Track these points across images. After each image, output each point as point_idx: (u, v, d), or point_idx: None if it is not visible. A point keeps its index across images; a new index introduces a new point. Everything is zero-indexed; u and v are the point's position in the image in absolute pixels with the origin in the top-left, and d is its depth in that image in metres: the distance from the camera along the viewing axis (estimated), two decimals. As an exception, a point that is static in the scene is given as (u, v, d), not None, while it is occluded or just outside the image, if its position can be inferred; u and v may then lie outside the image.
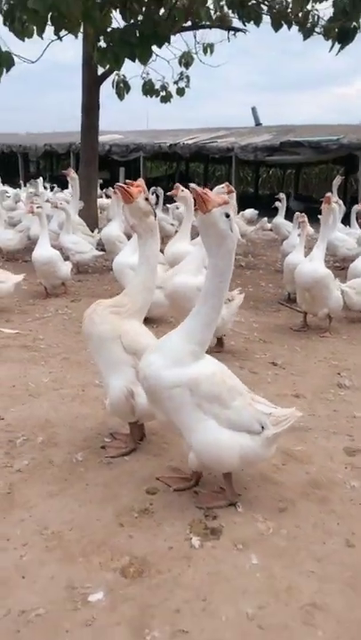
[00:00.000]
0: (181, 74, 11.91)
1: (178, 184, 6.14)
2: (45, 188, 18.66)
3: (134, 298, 3.06)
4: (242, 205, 13.90)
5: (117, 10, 9.25)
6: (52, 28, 8.06)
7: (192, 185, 2.27)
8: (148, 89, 11.54)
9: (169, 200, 8.98)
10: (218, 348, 5.01)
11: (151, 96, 11.72)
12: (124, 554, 2.39)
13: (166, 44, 8.94)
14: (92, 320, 3.03)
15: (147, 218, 2.93)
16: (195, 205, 2.36)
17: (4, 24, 8.96)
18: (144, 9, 8.81)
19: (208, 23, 9.73)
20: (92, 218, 10.26)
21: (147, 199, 2.91)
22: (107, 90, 10.17)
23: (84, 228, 8.90)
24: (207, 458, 2.60)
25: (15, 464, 3.07)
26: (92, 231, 9.18)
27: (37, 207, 6.57)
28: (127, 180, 3.37)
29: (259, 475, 3.05)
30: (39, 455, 3.17)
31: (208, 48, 11.56)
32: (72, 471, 3.03)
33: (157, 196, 11.43)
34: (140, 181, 2.95)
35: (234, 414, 2.57)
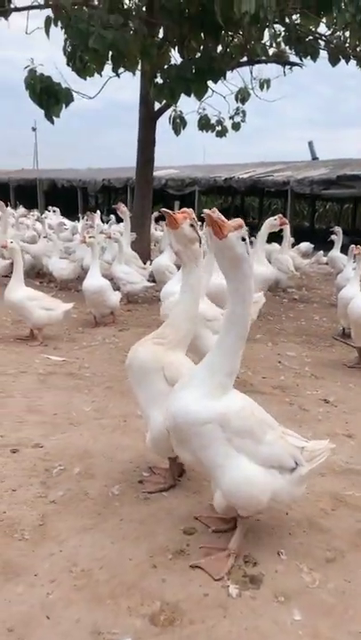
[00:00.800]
0: (237, 109, 12.04)
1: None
2: (102, 220, 19.15)
3: (176, 328, 2.94)
4: (297, 239, 13.74)
5: (175, 48, 9.48)
6: (111, 65, 8.36)
7: (206, 210, 2.15)
8: (204, 124, 11.72)
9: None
10: None
11: (207, 131, 11.89)
12: (156, 599, 2.23)
13: (222, 79, 9.07)
14: (135, 350, 2.94)
15: (192, 245, 2.84)
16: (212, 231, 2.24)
17: (68, 64, 9.34)
18: (202, 46, 8.98)
19: (264, 58, 9.79)
20: (144, 250, 10.34)
21: (192, 226, 2.83)
22: (164, 125, 10.39)
23: (136, 261, 8.97)
24: (236, 498, 2.40)
25: (50, 494, 2.97)
26: (145, 263, 9.23)
27: (90, 237, 6.66)
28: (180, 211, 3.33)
29: (306, 519, 2.84)
30: (75, 486, 3.07)
31: (265, 83, 11.67)
32: (107, 505, 2.91)
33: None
34: (190, 210, 2.88)
35: (266, 449, 2.40)
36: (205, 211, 2.26)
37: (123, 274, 8.00)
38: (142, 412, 3.02)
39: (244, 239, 2.21)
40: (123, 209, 9.08)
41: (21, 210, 20.31)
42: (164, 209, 2.74)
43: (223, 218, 2.19)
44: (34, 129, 30.97)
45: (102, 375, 4.99)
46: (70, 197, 27.12)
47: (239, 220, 2.22)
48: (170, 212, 2.69)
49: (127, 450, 3.52)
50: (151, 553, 2.51)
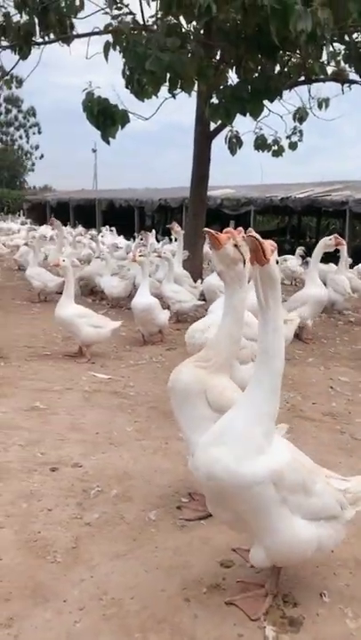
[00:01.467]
0: (295, 128, 11.92)
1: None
2: (157, 240, 19.36)
3: (219, 350, 2.83)
4: (356, 260, 13.36)
5: (232, 68, 9.51)
6: (167, 87, 8.46)
7: (250, 231, 2.01)
8: (261, 144, 11.65)
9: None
10: None
11: (263, 150, 11.80)
12: (186, 636, 2.11)
13: (279, 98, 9.00)
14: (178, 372, 2.83)
15: (235, 265, 2.75)
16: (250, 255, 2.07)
17: (126, 87, 9.52)
18: (259, 67, 8.96)
19: (323, 77, 9.66)
20: (196, 268, 10.31)
21: (236, 246, 2.74)
22: (220, 145, 10.40)
23: (188, 279, 8.93)
24: (286, 559, 2.21)
25: (85, 516, 2.91)
26: (196, 282, 9.19)
27: (140, 256, 6.68)
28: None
29: (353, 559, 2.64)
30: (111, 509, 2.99)
31: (323, 103, 11.51)
32: (142, 530, 2.81)
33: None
34: (235, 230, 2.79)
35: (318, 502, 2.18)
36: (250, 231, 2.16)
37: (172, 292, 7.97)
38: (184, 436, 2.91)
39: (277, 261, 2.10)
40: (176, 228, 9.10)
41: (79, 229, 20.84)
42: (206, 228, 2.65)
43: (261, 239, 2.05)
44: (94, 150, 31.81)
45: (146, 395, 4.93)
46: (127, 217, 27.60)
47: (272, 242, 2.09)
48: (212, 231, 2.61)
49: (167, 473, 3.43)
50: (185, 585, 2.39)
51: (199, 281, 9.31)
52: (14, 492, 3.10)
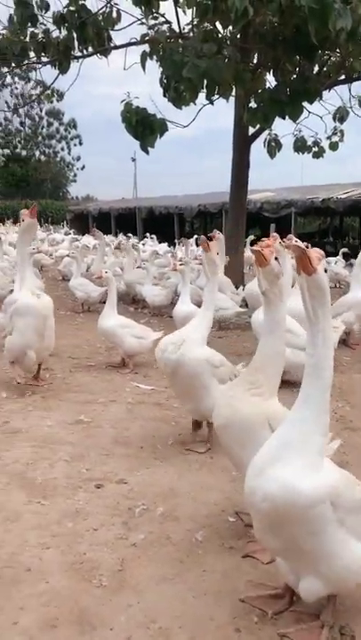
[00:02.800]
0: (335, 128, 11.67)
1: (203, 237, 5.14)
2: (198, 244, 19.29)
3: (268, 372, 2.69)
4: None
5: (270, 71, 9.38)
6: (205, 93, 8.41)
7: (290, 237, 1.94)
8: (300, 145, 11.44)
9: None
10: None
11: (303, 152, 11.59)
12: (237, 670, 2.01)
13: (318, 99, 8.82)
14: (234, 406, 2.66)
15: (278, 280, 2.65)
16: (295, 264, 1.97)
17: (164, 95, 9.52)
18: (297, 68, 8.80)
19: (363, 75, 9.40)
20: (237, 274, 10.19)
21: (277, 259, 2.63)
22: (259, 148, 10.27)
23: (229, 286, 8.82)
24: (340, 583, 2.06)
25: (131, 537, 2.85)
26: (237, 288, 9.07)
27: (180, 264, 6.62)
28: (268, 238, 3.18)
29: None
30: (157, 529, 2.93)
31: (365, 101, 11.23)
32: (190, 552, 2.73)
33: None
34: (273, 237, 2.70)
35: None
36: (295, 240, 2.07)
37: (215, 300, 7.86)
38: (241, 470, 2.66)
39: (325, 270, 1.98)
40: (218, 236, 9.00)
41: (120, 238, 21.02)
42: (254, 248, 2.54)
43: (306, 248, 1.96)
44: (133, 159, 32.27)
45: (191, 406, 4.84)
46: (167, 224, 27.69)
47: (319, 250, 1.99)
48: (259, 249, 2.50)
49: (213, 490, 3.34)
50: (235, 614, 2.29)
51: (241, 287, 9.19)
52: (60, 511, 3.07)
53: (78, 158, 44.89)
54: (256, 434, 2.56)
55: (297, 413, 2.07)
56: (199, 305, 7.32)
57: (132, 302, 10.24)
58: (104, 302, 9.12)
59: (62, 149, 43.72)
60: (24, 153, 42.75)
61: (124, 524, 2.98)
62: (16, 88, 41.27)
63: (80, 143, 43.87)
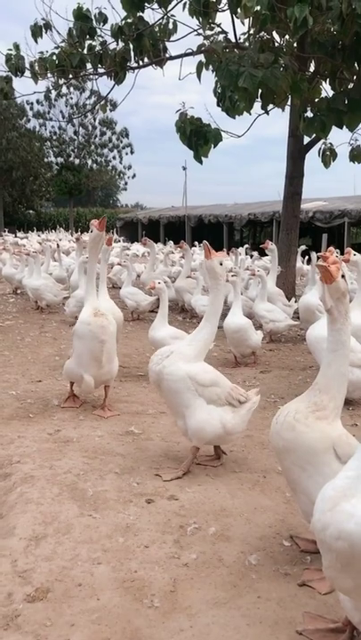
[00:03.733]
0: (395, 136, 11.35)
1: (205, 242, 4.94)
2: (246, 253, 19.16)
3: (332, 393, 2.58)
4: None
5: (326, 80, 9.23)
6: (260, 103, 8.34)
7: (352, 253, 1.93)
8: (356, 155, 11.19)
9: None
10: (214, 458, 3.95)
11: (359, 162, 11.34)
12: None
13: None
14: (297, 429, 2.54)
15: (344, 298, 2.54)
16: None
17: (218, 105, 9.51)
18: (355, 76, 8.62)
19: None
20: (289, 285, 10.03)
21: (343, 276, 2.53)
22: (312, 157, 10.11)
23: (281, 298, 8.68)
24: None
25: (183, 556, 2.79)
26: (289, 300, 8.91)
27: (232, 275, 6.56)
28: (326, 251, 3.09)
29: None
30: (209, 549, 2.86)
31: None
32: (243, 576, 2.65)
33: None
34: (331, 250, 2.60)
35: None
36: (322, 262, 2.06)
37: (265, 312, 7.76)
38: (307, 500, 2.56)
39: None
40: (271, 246, 8.90)
41: (170, 246, 21.11)
42: (319, 263, 2.45)
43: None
44: (184, 168, 32.35)
45: (242, 421, 4.75)
46: (216, 232, 27.69)
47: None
48: (326, 265, 2.40)
49: (267, 511, 3.24)
50: (291, 646, 2.20)
51: (293, 299, 9.04)
52: (111, 525, 3.04)
53: (129, 167, 45.57)
54: (319, 458, 2.47)
55: None
56: (249, 316, 7.28)
57: (180, 311, 10.23)
58: (153, 311, 9.20)
59: (114, 158, 44.47)
60: (77, 161, 43.66)
61: (176, 542, 2.93)
62: (71, 98, 42.29)
63: (131, 152, 44.51)
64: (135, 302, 9.11)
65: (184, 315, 9.98)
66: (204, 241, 3.83)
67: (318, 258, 2.56)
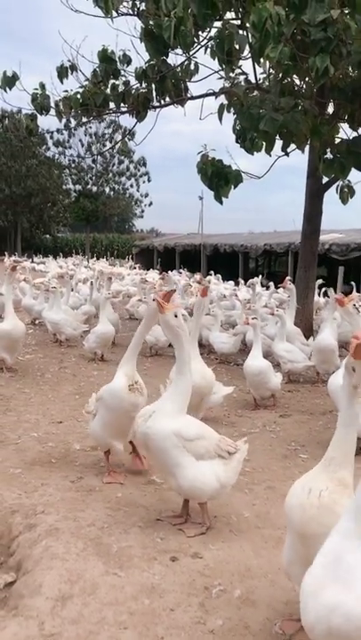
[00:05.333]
0: None
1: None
2: (262, 285, 19.21)
3: (350, 470, 2.60)
4: None
5: (346, 123, 9.38)
6: (280, 142, 8.50)
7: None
8: (374, 192, 11.31)
9: None
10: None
11: (377, 199, 11.44)
12: None
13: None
14: (337, 512, 2.45)
15: None
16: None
17: (237, 141, 9.69)
18: (374, 120, 8.76)
19: None
20: (307, 324, 10.05)
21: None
22: (329, 192, 10.22)
23: (300, 337, 8.70)
24: None
25: (209, 622, 2.79)
26: (307, 338, 8.93)
27: (253, 318, 6.61)
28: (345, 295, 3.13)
29: None
30: (235, 615, 2.85)
31: None
32: (270, 646, 2.64)
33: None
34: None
35: None
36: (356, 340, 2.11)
37: (284, 352, 7.78)
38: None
39: None
40: (289, 285, 8.95)
41: (185, 278, 21.20)
42: (354, 341, 2.43)
43: None
44: (200, 198, 32.77)
45: (263, 471, 4.75)
46: (232, 261, 27.84)
47: None
48: (359, 341, 2.41)
49: (291, 573, 3.22)
50: None
51: (311, 338, 9.05)
52: (136, 585, 3.05)
53: (146, 195, 46.19)
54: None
55: (351, 520, 2.00)
56: (266, 354, 7.27)
57: (198, 346, 10.26)
58: (171, 346, 9.27)
59: (131, 186, 45.17)
60: (95, 189, 44.39)
61: (201, 605, 2.92)
62: (90, 127, 43.17)
63: (148, 180, 45.18)
64: (154, 338, 9.17)
65: (202, 350, 10.00)
66: (154, 295, 3.70)
67: (320, 287, 2.60)
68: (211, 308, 9.70)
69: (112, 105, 10.95)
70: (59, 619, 2.76)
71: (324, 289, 16.63)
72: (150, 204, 46.75)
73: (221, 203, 8.42)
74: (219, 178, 8.31)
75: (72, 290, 13.79)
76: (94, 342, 8.63)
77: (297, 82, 9.27)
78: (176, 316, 3.65)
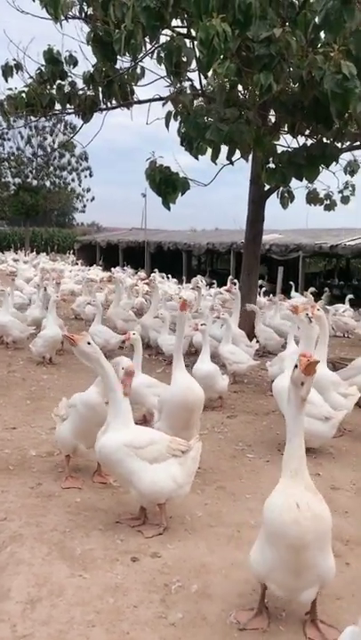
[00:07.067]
0: (347, 182, 12.11)
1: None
2: (207, 283, 19.61)
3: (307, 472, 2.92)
4: None
5: (286, 133, 9.82)
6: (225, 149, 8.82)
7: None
8: (312, 198, 11.87)
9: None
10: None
11: (315, 204, 12.01)
12: None
13: (334, 163, 9.21)
14: (325, 516, 2.82)
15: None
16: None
17: (181, 144, 9.93)
18: (313, 134, 9.24)
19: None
20: (250, 326, 10.45)
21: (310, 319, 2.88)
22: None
23: (244, 339, 9.09)
24: None
25: (170, 616, 3.04)
26: (250, 340, 9.33)
27: (202, 324, 6.90)
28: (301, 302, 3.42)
29: None
30: (193, 608, 3.11)
31: (375, 157, 11.70)
32: (225, 635, 2.92)
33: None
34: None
35: None
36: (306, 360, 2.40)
37: (229, 354, 8.13)
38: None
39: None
40: (234, 290, 9.30)
41: (129, 275, 21.26)
42: (303, 360, 2.72)
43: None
44: (144, 195, 32.84)
45: (213, 472, 5.03)
46: (175, 259, 28.16)
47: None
48: (312, 360, 2.70)
49: (242, 567, 3.49)
50: None
51: (254, 339, 9.46)
52: (101, 585, 3.26)
53: (88, 190, 45.62)
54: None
55: None
56: (211, 355, 7.52)
57: (146, 347, 10.46)
58: (121, 347, 9.44)
59: (73, 180, 44.47)
60: (35, 183, 43.46)
61: (162, 601, 3.17)
62: (30, 120, 42.13)
63: (90, 175, 44.63)
64: (104, 340, 9.31)
65: (150, 351, 10.22)
66: (65, 334, 4.05)
67: (291, 306, 2.88)
68: (160, 315, 9.90)
69: (58, 106, 10.97)
70: (30, 621, 2.94)
71: (264, 288, 17.23)
72: (93, 199, 46.26)
73: (169, 209, 8.64)
74: (166, 185, 8.52)
75: (16, 289, 13.68)
76: (42, 346, 8.68)
77: (241, 91, 9.61)
78: (89, 343, 3.87)
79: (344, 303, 15.31)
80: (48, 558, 3.50)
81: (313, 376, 2.76)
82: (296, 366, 2.80)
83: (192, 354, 9.25)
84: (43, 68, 10.47)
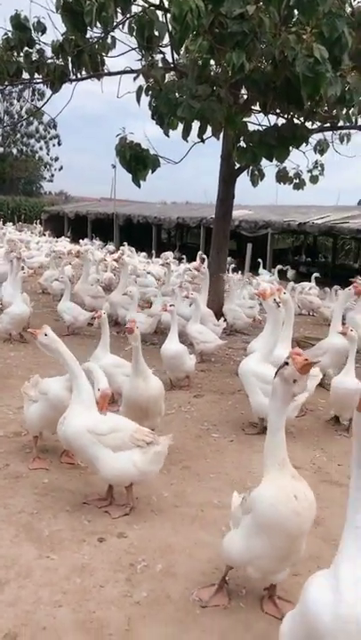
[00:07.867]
0: (316, 162, 12.19)
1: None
2: (175, 258, 19.61)
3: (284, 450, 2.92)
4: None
5: (258, 112, 9.79)
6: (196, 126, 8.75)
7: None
8: (282, 176, 11.92)
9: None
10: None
11: (284, 183, 12.07)
12: None
13: (305, 144, 9.25)
14: (310, 499, 2.85)
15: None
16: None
17: (152, 118, 9.80)
18: (284, 113, 9.24)
19: (349, 124, 9.91)
20: (219, 304, 10.55)
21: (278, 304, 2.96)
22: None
23: (211, 318, 9.19)
24: None
25: (135, 594, 3.15)
26: (218, 319, 9.44)
27: (171, 306, 6.95)
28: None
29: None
30: (158, 587, 3.24)
31: (345, 137, 11.80)
32: (188, 612, 3.05)
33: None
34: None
35: None
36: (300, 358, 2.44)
37: (197, 333, 8.21)
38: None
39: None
40: (203, 270, 9.34)
41: (98, 248, 21.03)
42: (303, 360, 2.70)
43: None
44: (113, 166, 32.29)
45: (179, 452, 5.12)
46: (145, 232, 27.97)
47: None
48: (312, 361, 2.70)
49: (206, 547, 3.65)
50: None
51: (222, 319, 9.57)
52: (68, 566, 3.35)
53: (56, 159, 44.77)
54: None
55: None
56: (179, 334, 7.59)
57: (114, 325, 10.47)
58: (90, 324, 9.41)
59: (41, 149, 43.53)
60: (1, 150, 42.38)
61: (128, 580, 3.28)
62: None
63: (59, 144, 43.75)
64: (73, 317, 9.28)
65: (118, 328, 10.23)
66: (30, 331, 4.36)
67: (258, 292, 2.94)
68: (129, 292, 9.87)
69: (26, 75, 10.64)
70: (-3, 602, 3.01)
71: (233, 265, 17.32)
72: (61, 168, 45.42)
73: (139, 186, 8.57)
74: (137, 162, 8.44)
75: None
76: (9, 323, 8.60)
77: (214, 68, 9.50)
78: (46, 335, 4.14)
79: (310, 281, 15.55)
80: (16, 540, 3.57)
81: (308, 374, 2.81)
82: (287, 363, 2.73)
83: (161, 332, 9.32)
84: (9, 34, 10.13)
